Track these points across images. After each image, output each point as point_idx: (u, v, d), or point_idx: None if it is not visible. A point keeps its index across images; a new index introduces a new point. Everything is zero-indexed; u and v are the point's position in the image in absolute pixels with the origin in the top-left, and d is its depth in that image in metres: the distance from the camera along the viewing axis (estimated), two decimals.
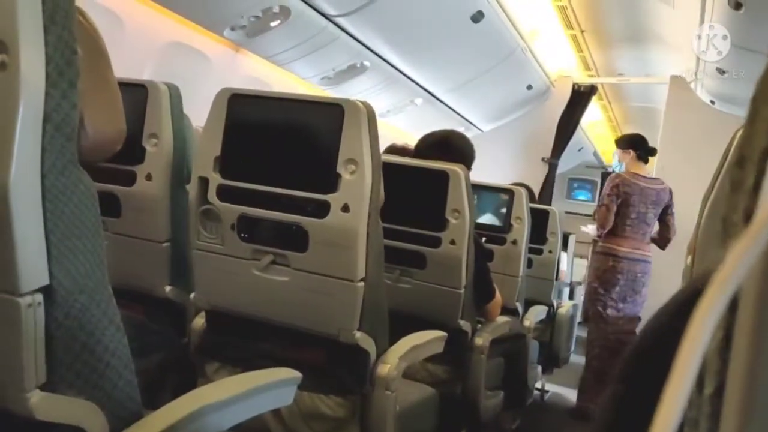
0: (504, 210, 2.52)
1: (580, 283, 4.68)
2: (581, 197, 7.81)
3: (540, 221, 2.99)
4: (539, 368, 3.18)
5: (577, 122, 5.45)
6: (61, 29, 0.68)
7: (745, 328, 0.23)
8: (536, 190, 4.18)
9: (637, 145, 3.23)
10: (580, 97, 5.35)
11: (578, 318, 3.77)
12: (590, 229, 3.49)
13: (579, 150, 6.89)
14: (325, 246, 1.26)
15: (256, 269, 1.31)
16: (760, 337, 0.23)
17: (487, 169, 3.60)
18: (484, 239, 2.33)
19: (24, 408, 0.70)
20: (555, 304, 3.22)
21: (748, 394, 0.23)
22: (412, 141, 2.24)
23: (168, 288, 1.54)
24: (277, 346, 1.33)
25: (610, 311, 3.17)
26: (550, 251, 3.09)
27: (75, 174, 0.73)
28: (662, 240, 3.25)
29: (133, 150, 1.45)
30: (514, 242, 2.48)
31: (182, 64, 3.06)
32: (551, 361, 3.29)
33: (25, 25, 0.65)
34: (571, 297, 4.56)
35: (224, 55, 3.29)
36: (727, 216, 0.26)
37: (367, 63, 3.84)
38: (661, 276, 2.91)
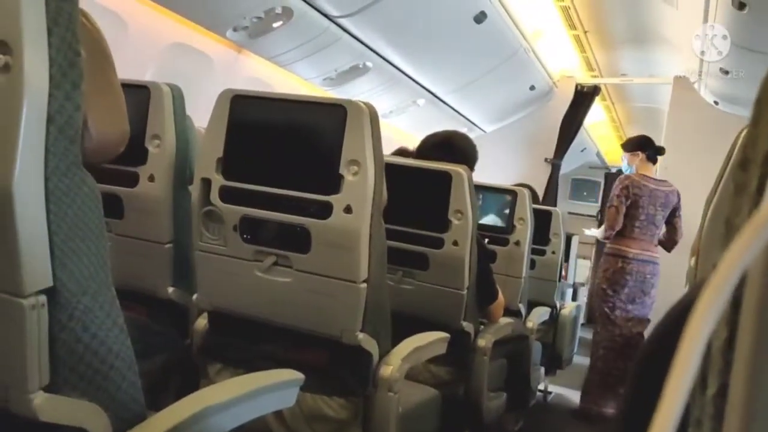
0: (507, 211, 2.51)
1: (583, 284, 4.67)
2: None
3: (543, 222, 2.99)
4: (542, 369, 3.17)
5: (580, 123, 5.43)
6: (65, 31, 0.68)
7: (748, 328, 0.23)
8: (539, 191, 4.16)
9: (645, 147, 3.23)
10: (583, 98, 5.33)
11: (581, 319, 3.76)
12: (594, 231, 3.49)
13: (582, 151, 6.87)
14: (328, 247, 1.26)
15: (258, 270, 1.31)
16: (762, 338, 0.23)
17: (489, 170, 3.60)
18: (486, 240, 2.33)
19: (27, 409, 0.70)
20: (558, 305, 3.21)
21: (751, 394, 0.23)
22: (414, 142, 2.23)
23: (171, 289, 1.54)
24: (279, 347, 1.33)
25: (618, 312, 3.15)
26: (553, 252, 3.08)
27: (78, 176, 0.73)
28: (669, 242, 3.24)
29: (135, 151, 1.45)
30: (517, 243, 2.48)
31: (185, 65, 3.06)
32: (554, 362, 3.28)
33: (29, 27, 0.65)
34: (574, 298, 4.55)
35: (226, 56, 3.29)
36: (730, 218, 0.26)
37: (369, 64, 3.84)
38: (670, 278, 2.90)
